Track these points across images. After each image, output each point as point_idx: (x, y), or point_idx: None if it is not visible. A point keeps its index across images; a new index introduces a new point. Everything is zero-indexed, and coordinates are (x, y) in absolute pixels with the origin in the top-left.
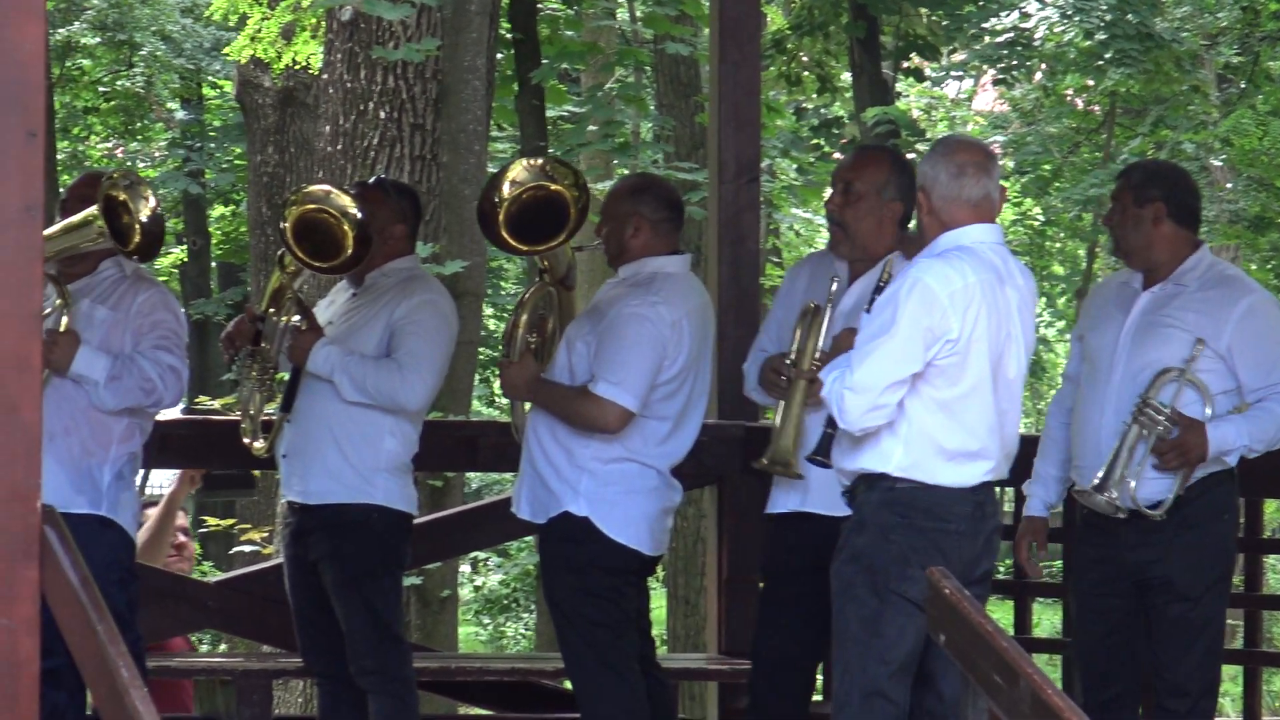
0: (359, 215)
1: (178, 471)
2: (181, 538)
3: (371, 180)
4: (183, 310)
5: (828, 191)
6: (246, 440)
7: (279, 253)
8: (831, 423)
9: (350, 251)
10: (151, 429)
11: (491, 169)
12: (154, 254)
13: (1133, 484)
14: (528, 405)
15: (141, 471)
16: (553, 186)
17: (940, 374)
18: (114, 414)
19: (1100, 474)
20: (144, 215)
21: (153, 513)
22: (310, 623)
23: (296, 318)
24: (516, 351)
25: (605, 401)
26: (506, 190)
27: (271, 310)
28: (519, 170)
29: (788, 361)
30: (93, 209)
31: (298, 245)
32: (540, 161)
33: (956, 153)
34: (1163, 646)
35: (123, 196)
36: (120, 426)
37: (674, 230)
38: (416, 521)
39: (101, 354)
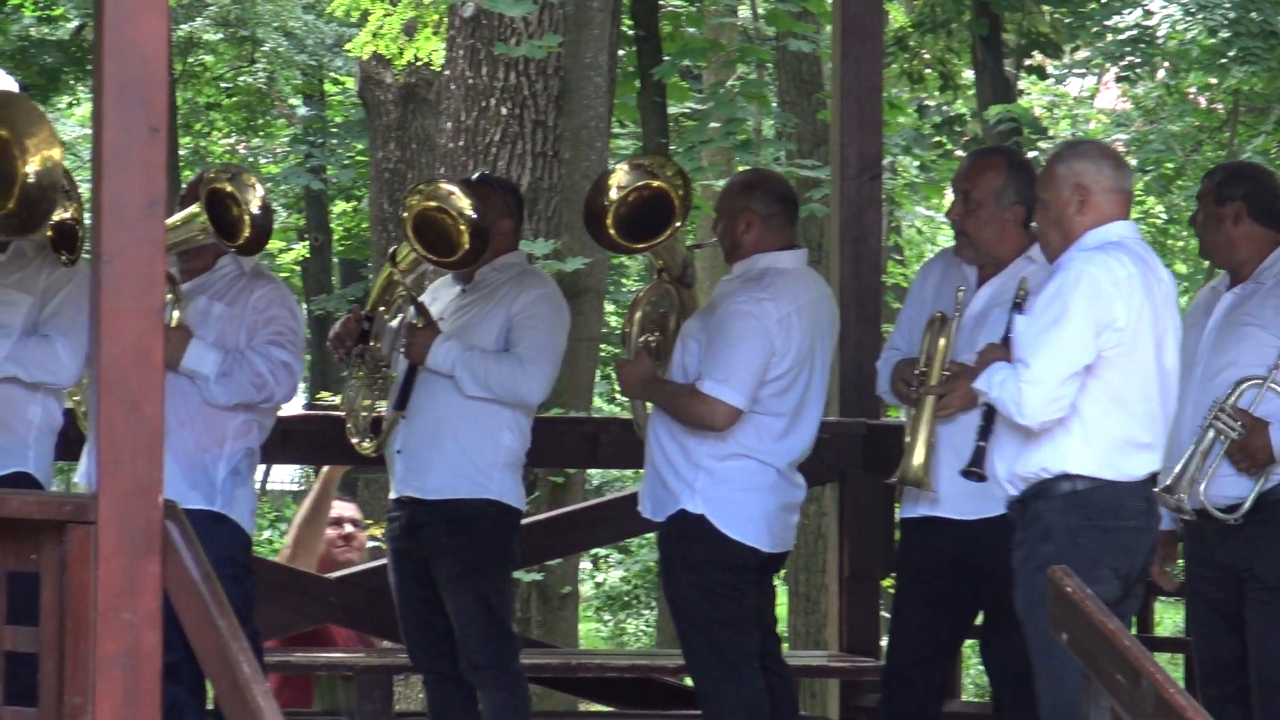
0: (475, 215)
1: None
2: (350, 528)
3: (476, 177)
4: (301, 307)
5: (949, 194)
6: (354, 440)
7: (390, 250)
8: (983, 434)
9: (467, 248)
10: (271, 425)
11: (613, 164)
12: (260, 247)
13: (1202, 486)
14: (649, 403)
15: (262, 467)
16: (655, 183)
17: (1109, 365)
18: (228, 409)
19: (1173, 475)
20: (254, 207)
21: (306, 498)
22: (419, 619)
23: (412, 314)
24: (633, 350)
25: (712, 399)
26: (614, 194)
27: (382, 309)
28: (621, 175)
29: (917, 373)
30: (195, 205)
31: (416, 239)
32: (639, 161)
33: (1105, 151)
34: (1255, 640)
35: (228, 189)
36: (235, 422)
37: (786, 224)
38: (538, 518)
39: (212, 349)
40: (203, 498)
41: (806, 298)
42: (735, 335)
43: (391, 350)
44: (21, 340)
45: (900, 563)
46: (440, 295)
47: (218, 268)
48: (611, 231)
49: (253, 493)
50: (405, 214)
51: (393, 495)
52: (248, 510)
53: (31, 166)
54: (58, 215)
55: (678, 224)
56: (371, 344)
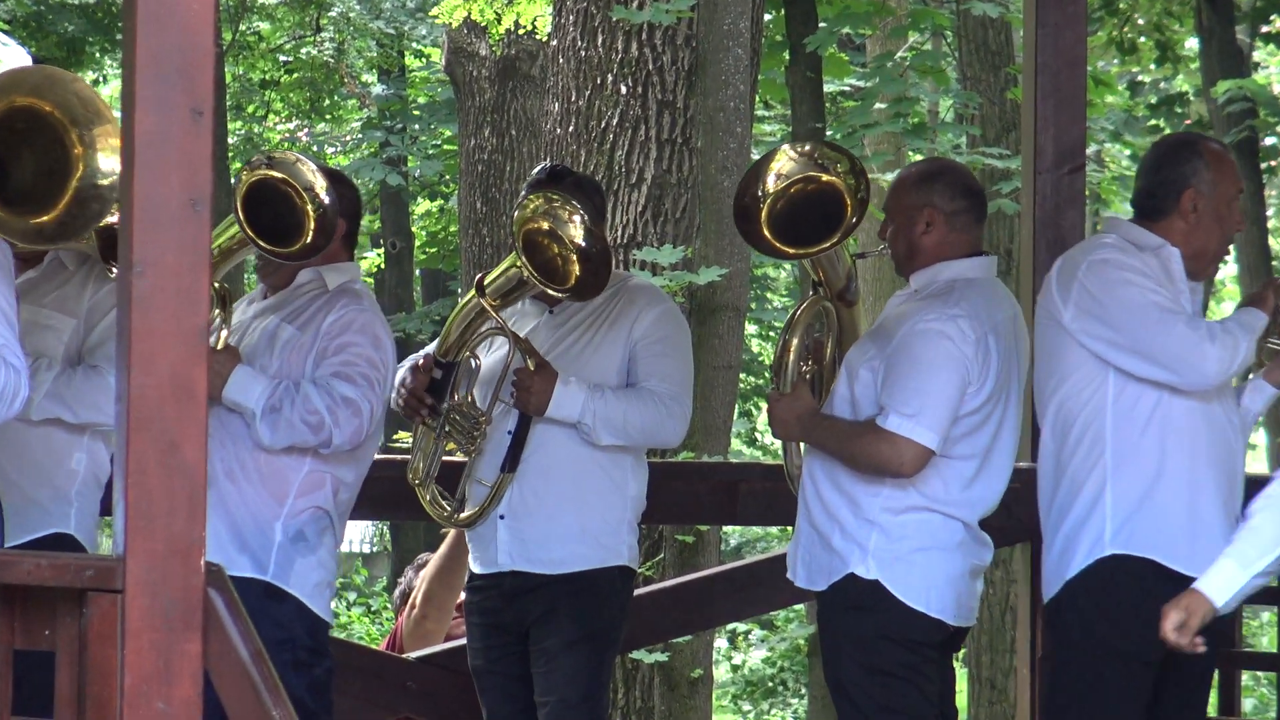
0: (586, 245)
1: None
2: (463, 595)
3: (548, 173)
4: (390, 337)
5: None
6: (442, 513)
7: (478, 276)
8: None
9: (577, 274)
10: (356, 483)
11: (756, 155)
12: (321, 246)
13: None
14: (803, 447)
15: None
16: (825, 177)
17: None
18: (290, 456)
19: None
20: (322, 193)
21: (443, 544)
22: (510, 700)
23: (516, 356)
24: (787, 382)
25: (898, 439)
26: (771, 184)
27: (468, 354)
28: (784, 160)
29: None
30: (233, 216)
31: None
32: (808, 148)
33: None
34: None
35: (278, 175)
36: (300, 474)
37: (973, 225)
38: (663, 586)
39: (260, 378)
40: (253, 564)
41: (1001, 315)
42: (926, 361)
43: (492, 401)
44: (65, 374)
45: (1104, 635)
46: (519, 324)
47: (297, 283)
48: (766, 232)
49: (322, 562)
50: (515, 230)
51: (488, 568)
52: (313, 584)
53: (91, 158)
54: (107, 219)
55: (853, 225)
56: (457, 398)
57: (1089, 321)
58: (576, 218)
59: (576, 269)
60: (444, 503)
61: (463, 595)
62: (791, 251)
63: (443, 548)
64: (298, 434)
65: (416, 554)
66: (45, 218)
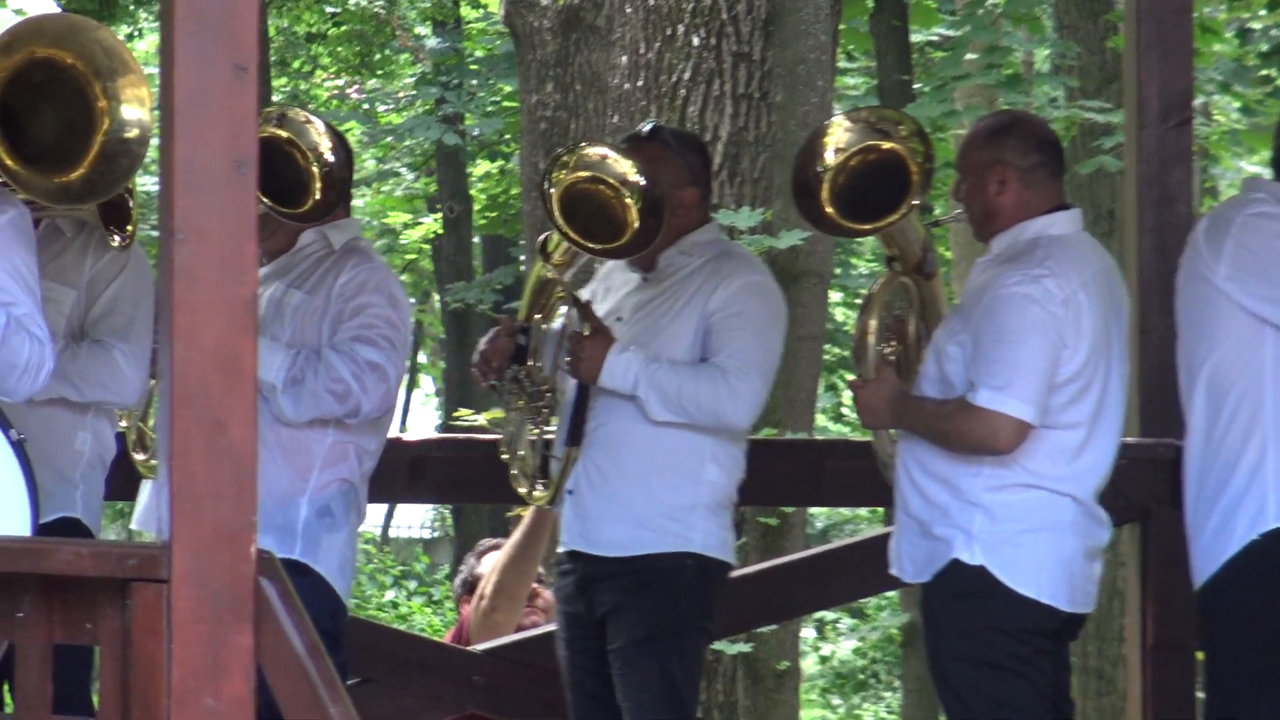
0: (643, 182)
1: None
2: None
3: (645, 129)
4: (404, 294)
5: None
6: (522, 490)
7: (539, 239)
8: None
9: (636, 228)
10: (377, 450)
11: (839, 109)
12: (329, 208)
13: None
14: (896, 432)
15: (383, 507)
16: (885, 144)
17: None
18: (310, 429)
19: None
20: (327, 153)
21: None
22: (591, 698)
23: (574, 320)
24: (870, 366)
25: (991, 414)
26: (830, 158)
27: (538, 316)
28: (839, 132)
29: None
30: None
31: (566, 223)
32: (865, 113)
33: None
34: None
35: (283, 134)
36: (323, 446)
37: (1052, 179)
38: (745, 573)
39: (278, 349)
40: (277, 542)
41: (1091, 270)
42: (1012, 327)
43: (555, 368)
44: (69, 349)
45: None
46: (614, 288)
47: (300, 246)
48: (829, 210)
49: (348, 541)
50: (550, 192)
51: (561, 547)
52: (338, 563)
53: (115, 110)
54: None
55: (915, 200)
56: (530, 363)
57: (1247, 279)
58: (609, 153)
59: (633, 207)
60: (525, 479)
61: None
62: (856, 228)
63: (516, 534)
64: (323, 405)
65: (480, 539)
66: (71, 176)
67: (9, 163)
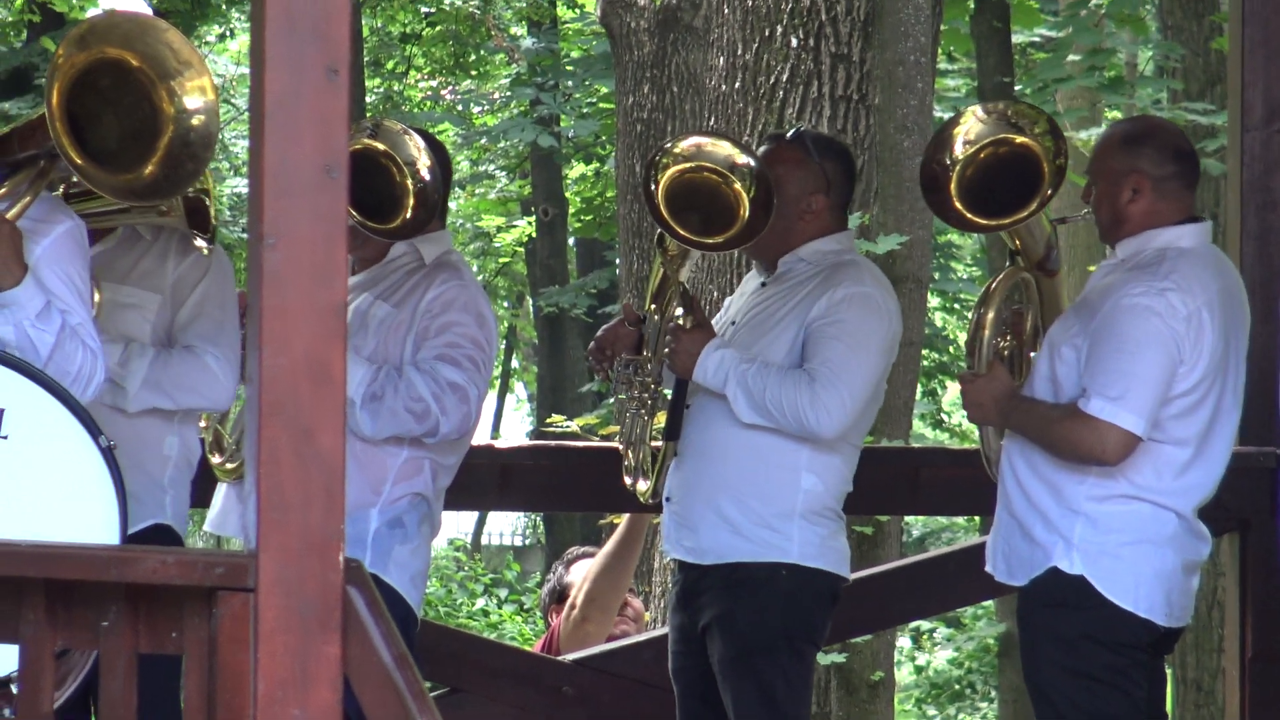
0: (752, 164)
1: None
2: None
3: (788, 133)
4: (492, 312)
5: None
6: (628, 481)
7: (658, 232)
8: None
9: (749, 212)
10: (454, 466)
11: (940, 113)
12: (422, 225)
13: None
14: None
15: (474, 515)
16: (1019, 139)
17: None
18: (387, 443)
19: None
20: (423, 170)
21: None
22: (699, 707)
23: (679, 313)
24: (982, 361)
25: (1101, 424)
26: (959, 150)
27: (653, 308)
28: (972, 122)
29: None
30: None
31: (676, 220)
32: (1001, 106)
33: None
34: None
35: (380, 147)
36: (399, 460)
37: (1185, 190)
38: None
39: (359, 363)
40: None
41: (1217, 286)
42: (1133, 339)
43: (660, 361)
44: (160, 358)
45: None
46: (744, 293)
47: (391, 257)
48: (957, 204)
49: (420, 552)
50: (654, 189)
51: (666, 557)
52: (409, 575)
53: (180, 114)
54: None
55: (1050, 193)
56: (644, 354)
57: None
58: (707, 140)
59: (743, 192)
60: (633, 474)
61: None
62: (985, 223)
63: (609, 543)
64: (401, 423)
65: (570, 547)
66: (134, 175)
67: (75, 157)
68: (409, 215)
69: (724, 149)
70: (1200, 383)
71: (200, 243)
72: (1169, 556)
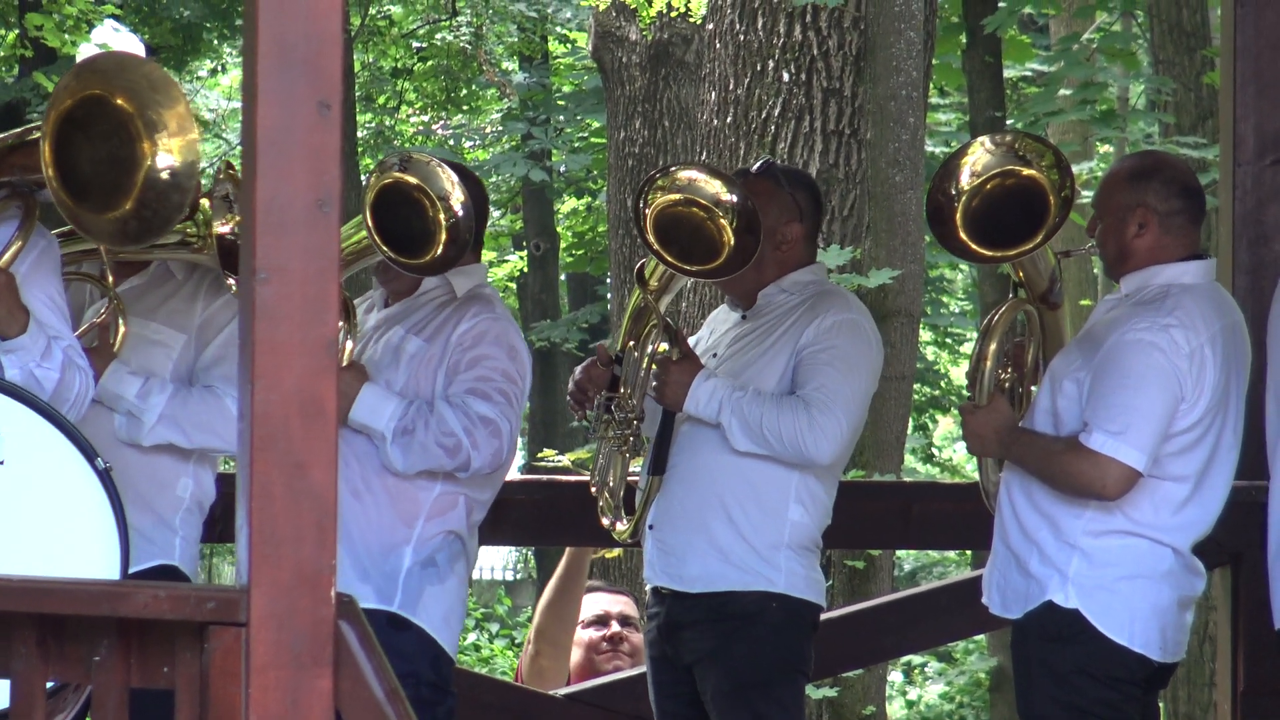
0: (736, 199)
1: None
2: (617, 626)
3: (756, 166)
4: (524, 345)
5: None
6: (605, 521)
7: (637, 265)
8: None
9: (732, 246)
10: (488, 501)
11: (932, 147)
12: (448, 264)
13: None
14: (1001, 462)
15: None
16: (1025, 171)
17: None
18: (419, 478)
19: None
20: (456, 205)
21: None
22: None
23: (664, 346)
24: (984, 392)
25: (1102, 458)
26: (966, 181)
27: (631, 344)
28: (980, 153)
29: None
30: (360, 216)
31: (662, 247)
32: (1008, 139)
33: None
34: None
35: (412, 180)
36: (431, 495)
37: (1191, 226)
38: (830, 616)
39: (391, 397)
40: (377, 594)
41: (1220, 324)
42: (1136, 374)
43: (642, 396)
44: (179, 395)
45: None
46: (717, 329)
47: (423, 290)
48: (962, 234)
49: (455, 594)
50: (645, 213)
51: (647, 585)
52: (440, 614)
53: (162, 152)
54: (219, 226)
55: (1056, 225)
56: (622, 390)
57: None
58: (700, 175)
59: (728, 227)
60: (610, 512)
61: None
62: (991, 254)
63: (554, 577)
64: (432, 458)
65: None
66: (120, 213)
67: (71, 206)
68: (440, 251)
69: (714, 185)
70: (1201, 420)
71: (232, 282)
72: (1165, 592)
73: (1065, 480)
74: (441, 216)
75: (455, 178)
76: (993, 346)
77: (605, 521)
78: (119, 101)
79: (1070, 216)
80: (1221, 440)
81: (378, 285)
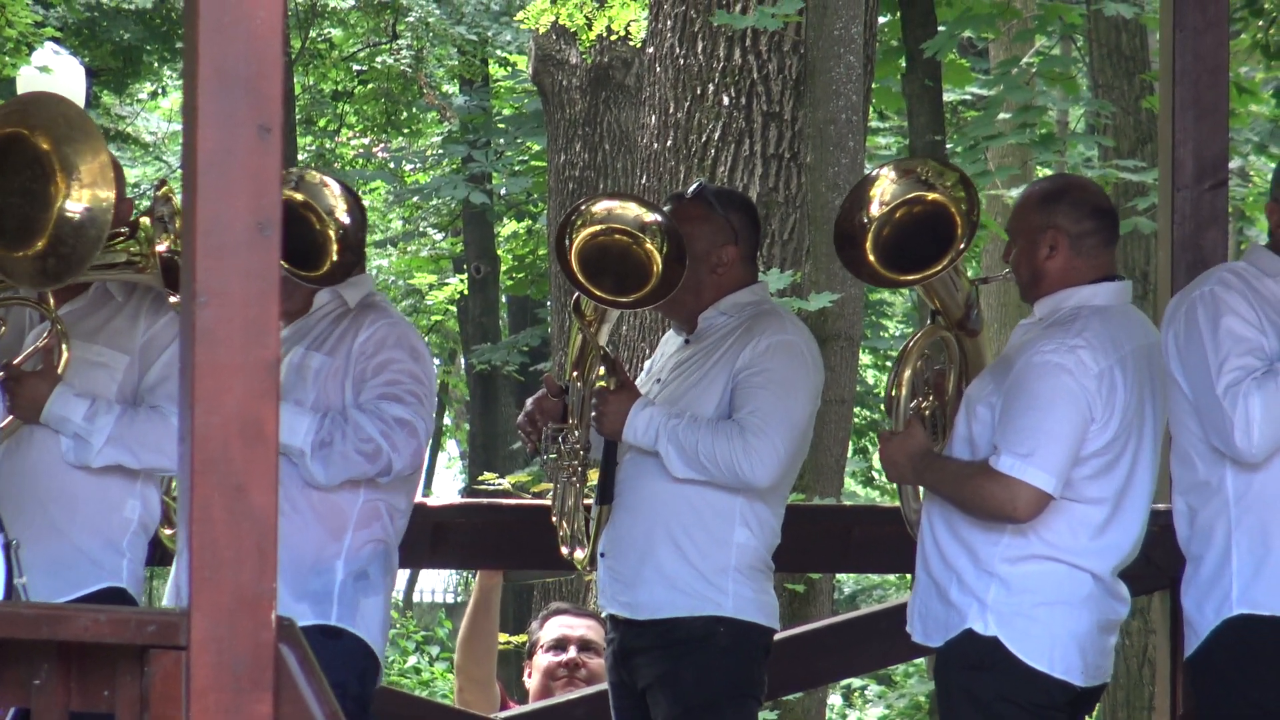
0: (660, 220)
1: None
2: (574, 651)
3: (689, 191)
4: (424, 345)
5: None
6: (565, 551)
7: (574, 297)
8: None
9: (662, 269)
10: (408, 508)
11: (871, 170)
12: (349, 271)
13: None
14: (922, 490)
15: (406, 573)
16: (930, 196)
17: None
18: (343, 489)
19: None
20: (342, 215)
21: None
22: None
23: (601, 374)
24: (899, 418)
25: (1011, 480)
26: (875, 210)
27: (575, 375)
28: (886, 184)
29: None
30: None
31: (593, 281)
32: (909, 165)
33: None
34: None
35: (298, 198)
36: (355, 507)
37: (1102, 248)
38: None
39: (303, 414)
40: (313, 609)
41: (1131, 346)
42: (1043, 396)
43: (586, 427)
44: (126, 416)
45: (1258, 693)
46: (666, 350)
47: (316, 307)
48: (872, 259)
49: (384, 604)
50: (567, 249)
51: (602, 612)
52: (376, 625)
53: (74, 193)
54: (162, 245)
55: (961, 248)
56: (570, 421)
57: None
58: (613, 204)
59: (655, 250)
60: (569, 543)
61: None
62: (898, 278)
63: (466, 611)
64: (354, 467)
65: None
66: (36, 250)
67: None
68: (336, 259)
69: (632, 210)
70: (1114, 441)
71: (175, 299)
72: (1084, 617)
73: (977, 504)
74: (330, 230)
75: (338, 189)
76: (907, 373)
77: (565, 550)
78: (25, 135)
79: (1000, 235)
80: (1138, 463)
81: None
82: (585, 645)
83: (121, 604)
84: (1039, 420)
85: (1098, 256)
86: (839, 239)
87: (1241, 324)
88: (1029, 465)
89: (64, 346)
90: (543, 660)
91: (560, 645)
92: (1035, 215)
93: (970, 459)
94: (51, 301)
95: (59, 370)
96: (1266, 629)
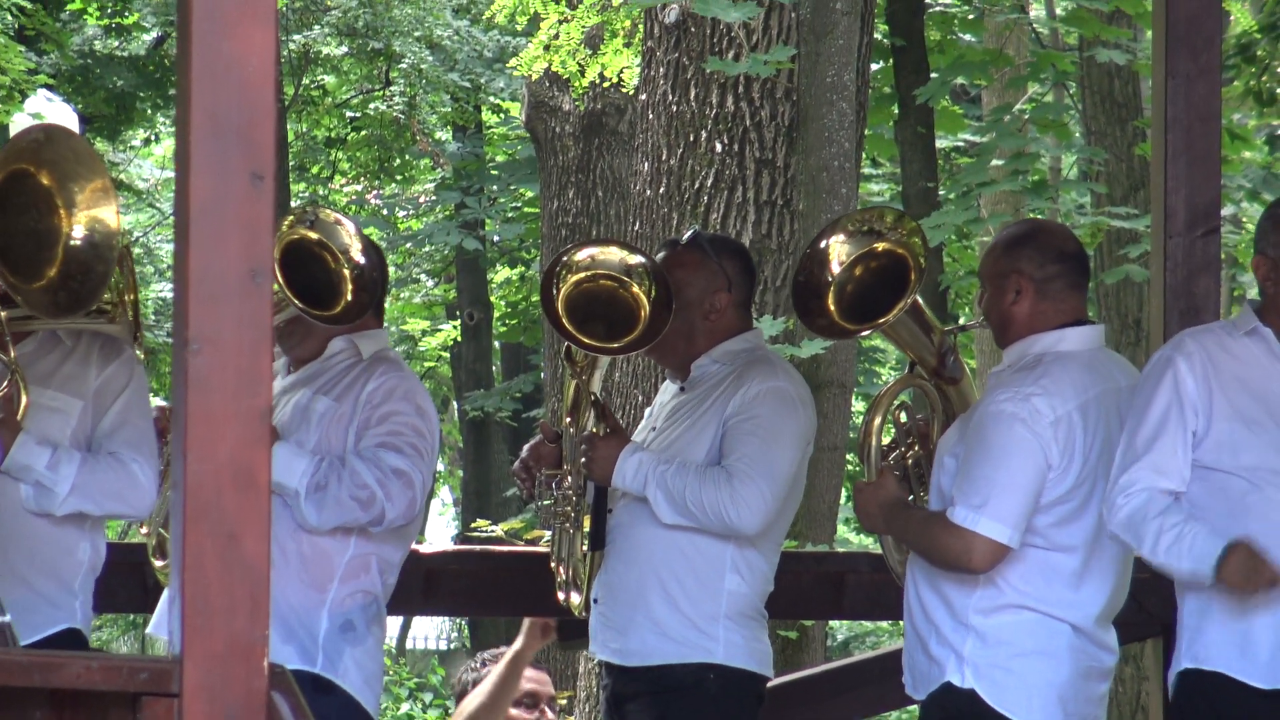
0: (644, 263)
1: (526, 621)
2: (546, 710)
3: (684, 237)
4: (432, 405)
5: None
6: (561, 596)
7: (564, 346)
8: None
9: (647, 317)
10: (399, 561)
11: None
12: (364, 310)
13: None
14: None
15: (399, 620)
16: (881, 246)
17: None
18: (332, 537)
19: None
20: (357, 254)
21: (491, 674)
22: None
23: (592, 420)
24: (872, 468)
25: (965, 532)
26: (836, 268)
27: (568, 421)
28: (838, 243)
29: None
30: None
31: (580, 330)
32: (856, 223)
33: None
34: None
35: (313, 236)
36: (344, 555)
37: (1069, 291)
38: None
39: (301, 455)
40: (298, 655)
41: (1097, 390)
42: (995, 446)
43: (579, 473)
44: (87, 465)
45: None
46: (662, 398)
47: (329, 354)
48: (831, 308)
49: (373, 655)
50: (554, 298)
51: (595, 657)
52: (362, 677)
53: (79, 225)
54: (129, 295)
55: (909, 298)
56: (565, 468)
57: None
58: (595, 251)
59: (641, 294)
60: (565, 588)
61: None
62: (853, 328)
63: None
64: (347, 512)
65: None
66: (45, 284)
67: (9, 278)
68: (350, 299)
69: (615, 254)
70: (1077, 488)
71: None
72: (1063, 667)
73: (936, 555)
74: (345, 269)
75: (354, 230)
76: (877, 420)
77: (561, 596)
78: (33, 172)
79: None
80: None
81: (281, 353)
82: (551, 700)
83: (79, 645)
84: (992, 471)
85: (1065, 300)
86: (801, 292)
87: (1176, 413)
88: (982, 516)
89: (23, 392)
90: (514, 712)
91: (532, 701)
92: (1001, 261)
93: (942, 509)
94: (11, 349)
95: (19, 416)
96: (1208, 684)
